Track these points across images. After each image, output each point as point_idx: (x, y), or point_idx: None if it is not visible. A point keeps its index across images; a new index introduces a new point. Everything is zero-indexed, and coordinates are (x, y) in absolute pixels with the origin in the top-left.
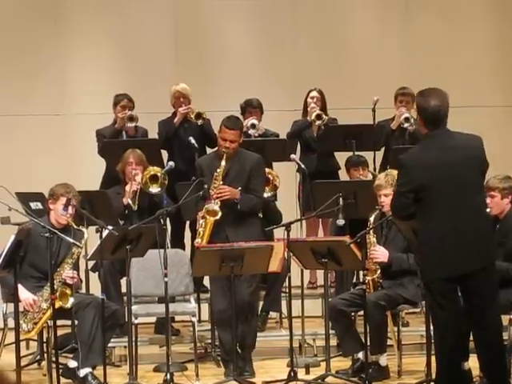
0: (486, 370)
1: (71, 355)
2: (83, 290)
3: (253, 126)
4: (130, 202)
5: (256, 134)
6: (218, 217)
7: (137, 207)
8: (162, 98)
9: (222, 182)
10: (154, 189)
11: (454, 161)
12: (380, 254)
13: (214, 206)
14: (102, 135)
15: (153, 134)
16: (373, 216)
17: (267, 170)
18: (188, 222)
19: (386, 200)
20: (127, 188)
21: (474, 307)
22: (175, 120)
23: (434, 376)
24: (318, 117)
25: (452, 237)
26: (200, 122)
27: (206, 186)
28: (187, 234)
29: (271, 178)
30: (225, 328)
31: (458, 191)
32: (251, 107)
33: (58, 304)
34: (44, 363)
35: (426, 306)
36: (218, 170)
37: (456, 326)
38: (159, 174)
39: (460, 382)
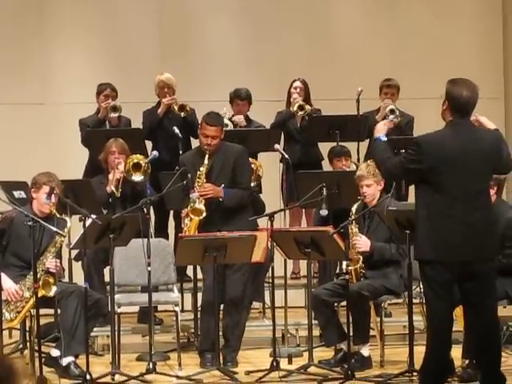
0: (480, 356)
1: (54, 344)
2: (66, 279)
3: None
4: (114, 189)
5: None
6: (202, 216)
7: (119, 194)
8: (146, 87)
9: (205, 180)
10: (137, 177)
11: (468, 153)
12: (362, 242)
13: (199, 203)
14: (86, 124)
15: (137, 123)
16: (355, 206)
17: (251, 159)
18: (172, 212)
19: (367, 190)
20: (110, 176)
21: (472, 296)
22: (159, 111)
23: (416, 366)
24: (301, 107)
25: (454, 223)
26: (183, 114)
27: (189, 176)
28: (171, 223)
29: (254, 168)
30: (211, 317)
31: (465, 181)
32: (239, 99)
33: (40, 293)
34: (27, 352)
35: (409, 297)
36: (201, 168)
37: (449, 316)
38: (142, 163)
39: (445, 371)
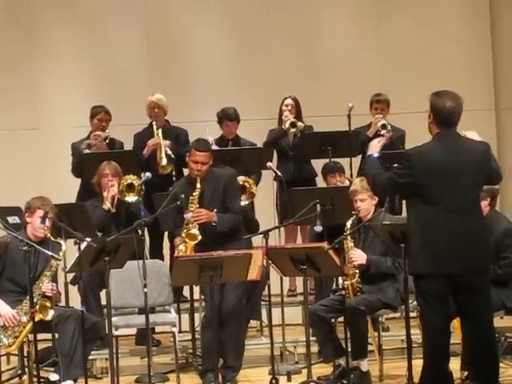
0: (477, 368)
1: (52, 368)
2: (63, 303)
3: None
4: (109, 205)
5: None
6: (197, 240)
7: (115, 215)
8: (137, 109)
9: (198, 206)
10: (131, 197)
11: (457, 164)
12: (358, 256)
13: (193, 228)
14: (78, 150)
15: (128, 145)
16: (349, 221)
17: (243, 178)
18: (166, 233)
19: (361, 205)
20: (105, 194)
21: (467, 308)
22: (144, 152)
23: (415, 380)
24: (293, 125)
25: (446, 236)
26: (164, 161)
27: (183, 196)
28: (165, 244)
29: (247, 186)
30: (209, 333)
31: (456, 193)
32: (228, 120)
33: (38, 317)
34: (25, 377)
35: (406, 311)
36: (194, 194)
37: (446, 329)
38: (135, 183)
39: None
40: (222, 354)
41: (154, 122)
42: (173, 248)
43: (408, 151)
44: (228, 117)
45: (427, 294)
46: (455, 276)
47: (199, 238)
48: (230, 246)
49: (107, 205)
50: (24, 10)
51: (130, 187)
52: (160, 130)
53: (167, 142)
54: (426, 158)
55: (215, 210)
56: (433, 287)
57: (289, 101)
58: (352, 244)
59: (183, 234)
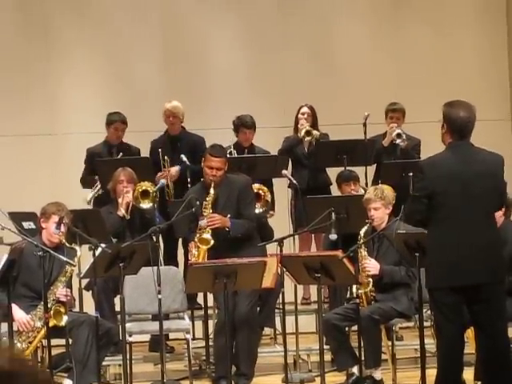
0: (491, 378)
1: (66, 374)
2: (77, 309)
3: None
4: (124, 211)
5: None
6: (209, 245)
7: (129, 221)
8: (153, 116)
9: (211, 211)
10: (146, 204)
11: (470, 174)
12: (371, 266)
13: (206, 233)
14: (93, 154)
15: (144, 151)
16: (363, 230)
17: (257, 185)
18: (180, 240)
19: (375, 214)
20: (120, 200)
21: (482, 318)
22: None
23: None
24: (308, 133)
25: (460, 247)
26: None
27: (198, 203)
28: (180, 251)
29: (262, 194)
30: (222, 340)
31: (470, 204)
32: (245, 127)
33: (52, 322)
34: None
35: (420, 320)
36: (208, 199)
37: (460, 339)
38: (150, 190)
39: None
40: (235, 361)
41: (160, 150)
42: (187, 254)
43: (421, 163)
44: (245, 124)
45: (442, 304)
46: (470, 287)
47: (211, 242)
48: (243, 253)
49: (122, 211)
50: (39, 10)
51: (145, 194)
52: (168, 161)
53: (176, 169)
54: (439, 167)
55: (229, 216)
56: (448, 298)
57: (305, 109)
58: (366, 253)
59: (196, 239)
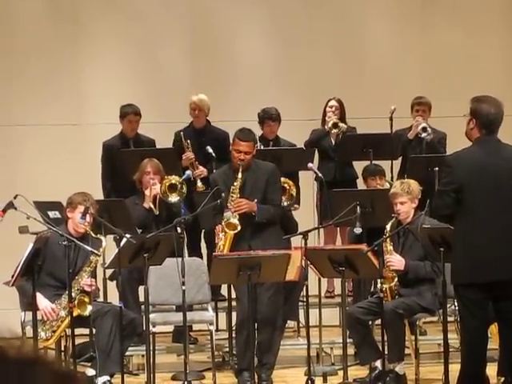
0: None
1: (89, 364)
2: (101, 299)
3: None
4: (151, 205)
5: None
6: (237, 230)
7: (158, 212)
8: (179, 107)
9: (239, 195)
10: (173, 198)
11: (497, 170)
12: (396, 261)
13: (233, 218)
14: (109, 146)
15: (169, 143)
16: (389, 224)
17: (283, 179)
18: (203, 232)
19: (401, 208)
20: (147, 192)
21: (508, 315)
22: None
23: None
24: (335, 125)
25: (486, 243)
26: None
27: (223, 195)
28: (204, 242)
29: (287, 188)
30: (243, 335)
31: (497, 199)
32: (270, 120)
33: (76, 312)
34: None
35: (444, 315)
36: (235, 184)
37: (484, 334)
38: (177, 183)
39: None
40: (257, 353)
41: (181, 133)
42: (210, 246)
43: (448, 157)
44: (270, 117)
45: (467, 300)
46: (496, 284)
47: (239, 227)
48: (262, 239)
49: (148, 204)
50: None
51: (172, 187)
52: (188, 142)
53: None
54: (466, 161)
55: (255, 201)
56: (473, 293)
57: (333, 102)
58: (391, 247)
59: (223, 223)
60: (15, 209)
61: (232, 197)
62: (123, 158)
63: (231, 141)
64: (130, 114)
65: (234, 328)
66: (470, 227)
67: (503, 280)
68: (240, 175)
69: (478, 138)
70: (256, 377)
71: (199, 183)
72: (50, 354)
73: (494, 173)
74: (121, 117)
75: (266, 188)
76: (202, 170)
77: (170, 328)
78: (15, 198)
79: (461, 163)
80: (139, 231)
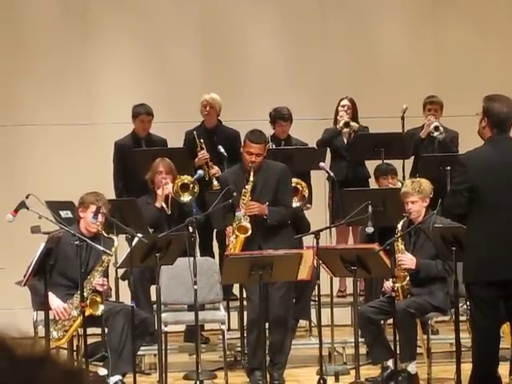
0: None
1: (101, 363)
2: (113, 298)
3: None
4: (164, 205)
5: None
6: (248, 234)
7: (170, 211)
8: (189, 107)
9: (250, 198)
10: (186, 197)
11: (510, 168)
12: (407, 260)
13: (244, 221)
14: (121, 146)
15: (180, 142)
16: (400, 223)
17: (296, 180)
18: (214, 232)
19: (412, 207)
20: (159, 192)
21: None
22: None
23: None
24: (346, 124)
25: (499, 242)
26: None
27: (235, 194)
28: (215, 242)
29: (300, 189)
30: (254, 335)
31: (510, 198)
32: (282, 120)
33: (88, 312)
34: None
35: (456, 314)
36: (247, 187)
37: (496, 333)
38: (189, 183)
39: None
40: (269, 353)
41: (195, 132)
42: (222, 246)
43: (461, 157)
44: (282, 117)
45: (478, 299)
46: (508, 282)
47: (250, 231)
48: (273, 241)
49: (160, 203)
50: None
51: (185, 187)
52: (202, 141)
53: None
54: (479, 160)
55: (267, 204)
56: (484, 291)
57: (345, 101)
58: (403, 246)
59: (234, 226)
60: (27, 208)
61: (243, 199)
62: (135, 157)
63: (242, 142)
64: (142, 114)
65: (245, 327)
66: (482, 226)
67: None
68: (252, 178)
69: (490, 137)
70: (268, 376)
71: (215, 182)
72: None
73: (506, 171)
74: (133, 116)
75: (277, 188)
76: (217, 170)
77: (182, 327)
78: (27, 197)
79: (473, 162)
80: (151, 231)
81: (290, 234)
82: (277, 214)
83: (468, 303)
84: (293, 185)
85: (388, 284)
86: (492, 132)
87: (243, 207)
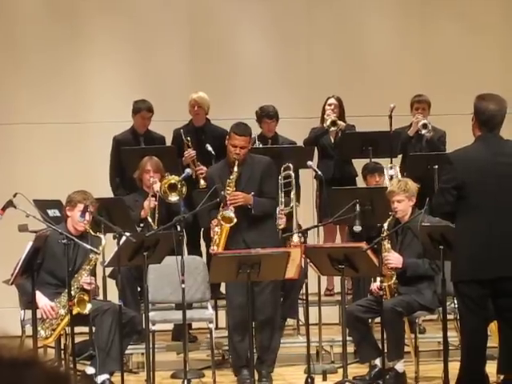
0: None
1: (89, 362)
2: (100, 297)
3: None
4: (150, 220)
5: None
6: (233, 223)
7: (156, 223)
8: (178, 106)
9: (234, 189)
10: (173, 197)
11: (499, 166)
12: (394, 259)
13: (230, 213)
14: (119, 142)
15: (168, 141)
16: (386, 222)
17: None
18: (202, 230)
19: (398, 206)
20: (145, 204)
21: (507, 313)
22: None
23: (451, 383)
24: (333, 123)
25: (488, 239)
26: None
27: (222, 193)
28: (203, 241)
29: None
30: (243, 336)
31: (498, 195)
32: (268, 118)
33: (75, 310)
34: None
35: (444, 313)
36: (231, 177)
37: (484, 331)
38: (177, 183)
39: None
40: (257, 351)
41: (181, 130)
42: (210, 245)
43: (449, 155)
44: (267, 115)
45: (467, 298)
46: (497, 280)
47: (235, 220)
48: (256, 232)
49: (147, 216)
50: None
51: (173, 187)
52: (189, 139)
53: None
54: (467, 158)
55: (252, 193)
56: (473, 290)
57: (332, 100)
58: (389, 245)
59: (219, 217)
60: (15, 207)
61: (228, 190)
62: (124, 155)
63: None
64: (143, 110)
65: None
66: (471, 224)
67: (505, 276)
68: (236, 169)
69: (479, 135)
70: (256, 375)
71: (202, 181)
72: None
73: (495, 169)
74: (133, 112)
75: (262, 181)
76: (201, 168)
77: (170, 326)
78: (15, 196)
79: (462, 160)
80: (138, 229)
81: (273, 227)
82: (261, 205)
83: (456, 301)
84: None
85: (375, 285)
86: (480, 130)
87: (228, 198)
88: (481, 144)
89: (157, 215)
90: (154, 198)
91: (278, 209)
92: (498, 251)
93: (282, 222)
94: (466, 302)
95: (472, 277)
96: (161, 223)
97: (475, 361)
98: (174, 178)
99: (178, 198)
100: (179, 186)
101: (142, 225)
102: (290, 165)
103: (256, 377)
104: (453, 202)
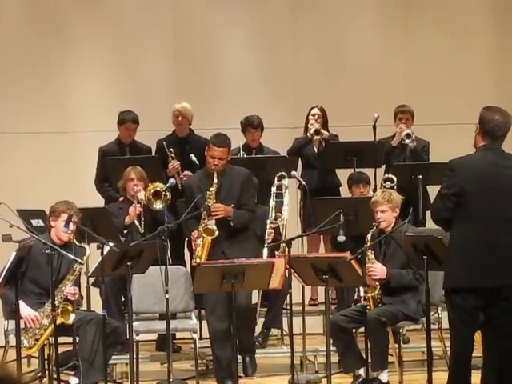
0: (504, 382)
1: (73, 372)
2: (84, 307)
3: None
4: (137, 223)
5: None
6: (215, 236)
7: (143, 228)
8: (162, 115)
9: (215, 201)
10: (158, 205)
11: (499, 176)
12: (378, 271)
13: (213, 225)
14: (105, 152)
15: (152, 152)
16: (370, 233)
17: None
18: (186, 241)
19: (382, 216)
20: (131, 210)
21: (500, 321)
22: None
23: None
24: (317, 132)
25: (484, 248)
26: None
27: (206, 203)
28: (187, 250)
29: None
30: (223, 345)
31: (496, 206)
32: (252, 127)
33: (59, 320)
34: (45, 380)
35: (428, 323)
36: (211, 189)
37: (472, 341)
38: (162, 191)
39: None
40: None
41: (164, 142)
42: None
43: (451, 162)
44: (252, 124)
45: (460, 309)
46: (491, 289)
47: (216, 233)
48: (236, 243)
49: (132, 220)
50: (51, 6)
51: (157, 194)
52: (172, 150)
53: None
54: (469, 166)
55: (232, 206)
56: (466, 301)
57: (315, 110)
58: (373, 256)
59: (200, 229)
60: None
61: (209, 202)
62: (108, 165)
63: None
64: (127, 121)
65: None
66: (466, 232)
67: (500, 285)
68: (216, 180)
69: (482, 145)
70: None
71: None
72: (13, 370)
73: (494, 179)
74: (119, 123)
75: (241, 193)
76: (188, 175)
77: (154, 336)
78: None
79: (463, 168)
80: (122, 239)
81: (253, 239)
82: (240, 217)
83: (447, 310)
84: None
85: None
86: (484, 140)
87: (211, 210)
88: (483, 153)
89: (143, 221)
90: (139, 205)
91: (267, 221)
92: (493, 260)
93: (270, 237)
94: (458, 313)
95: (467, 285)
96: (147, 228)
97: (463, 369)
98: (158, 185)
99: (162, 205)
100: (163, 194)
101: (125, 231)
102: (285, 173)
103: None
104: (451, 209)
